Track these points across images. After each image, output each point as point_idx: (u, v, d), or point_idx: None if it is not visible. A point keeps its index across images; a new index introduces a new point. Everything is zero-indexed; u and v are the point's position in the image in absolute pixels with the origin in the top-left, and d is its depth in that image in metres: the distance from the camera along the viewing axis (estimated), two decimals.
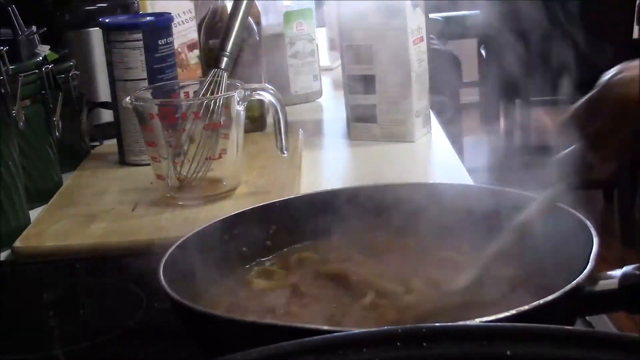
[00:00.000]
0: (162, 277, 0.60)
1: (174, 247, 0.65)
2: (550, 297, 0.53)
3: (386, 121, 1.17)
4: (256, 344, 0.52)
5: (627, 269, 0.58)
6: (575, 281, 0.55)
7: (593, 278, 0.57)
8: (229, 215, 0.72)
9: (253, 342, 0.52)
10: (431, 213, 0.70)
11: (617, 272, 0.58)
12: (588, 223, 0.62)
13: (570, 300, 0.54)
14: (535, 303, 0.52)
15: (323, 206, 0.74)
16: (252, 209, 0.73)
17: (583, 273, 0.56)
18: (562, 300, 0.53)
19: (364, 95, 1.17)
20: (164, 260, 0.62)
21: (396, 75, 1.14)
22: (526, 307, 0.52)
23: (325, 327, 0.54)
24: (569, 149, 0.69)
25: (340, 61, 1.28)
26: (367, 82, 1.17)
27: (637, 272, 0.57)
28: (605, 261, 0.58)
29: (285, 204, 0.74)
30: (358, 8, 1.14)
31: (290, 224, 0.73)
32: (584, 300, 0.56)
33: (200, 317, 0.56)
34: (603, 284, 0.57)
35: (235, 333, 0.54)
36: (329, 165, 1.14)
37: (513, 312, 0.51)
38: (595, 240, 0.60)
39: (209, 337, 0.57)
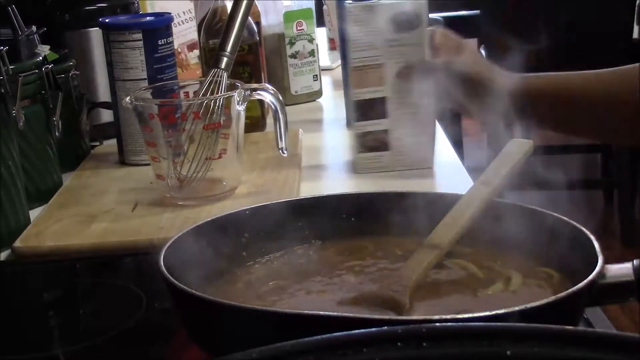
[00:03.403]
0: (163, 267, 0.60)
1: (172, 240, 0.65)
2: (573, 289, 0.54)
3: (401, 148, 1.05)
4: (254, 332, 0.52)
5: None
6: (592, 274, 0.56)
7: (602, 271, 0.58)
8: (225, 213, 0.72)
9: (251, 330, 0.53)
10: (425, 221, 0.70)
11: (626, 265, 0.59)
12: (580, 226, 0.62)
13: (587, 293, 0.55)
14: (560, 295, 0.53)
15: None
16: (253, 207, 0.73)
17: (597, 266, 0.57)
18: (582, 293, 0.54)
19: (373, 121, 1.05)
20: (164, 251, 0.62)
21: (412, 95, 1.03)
22: (551, 299, 0.53)
23: (326, 313, 0.54)
24: None
25: (340, 61, 1.27)
26: (377, 105, 1.05)
27: None
28: (606, 261, 0.59)
29: (286, 205, 0.74)
30: (367, 26, 1.03)
31: (283, 226, 0.73)
32: (597, 293, 0.57)
33: (202, 304, 0.56)
34: (617, 275, 0.58)
35: (237, 320, 0.54)
36: (329, 165, 1.14)
37: (529, 305, 0.52)
38: (593, 237, 0.60)
39: (209, 327, 0.57)
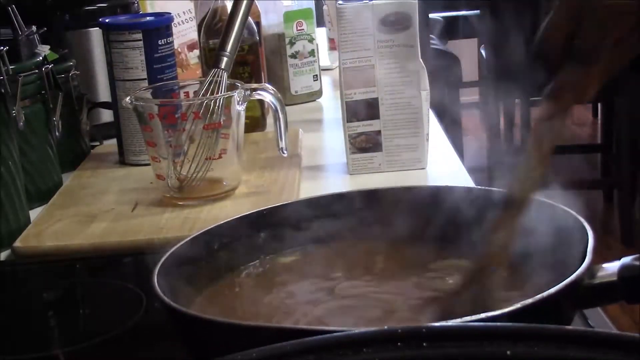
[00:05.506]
0: (156, 284, 0.60)
1: (167, 253, 0.65)
2: (551, 291, 0.53)
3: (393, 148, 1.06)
4: (250, 347, 0.52)
5: (625, 260, 0.57)
6: (575, 274, 0.55)
7: (591, 271, 0.57)
8: (222, 222, 0.71)
9: (247, 346, 0.53)
10: (431, 217, 0.69)
11: (615, 264, 0.58)
12: (581, 218, 0.62)
13: (570, 293, 0.54)
14: (538, 297, 0.52)
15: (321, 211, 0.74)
16: (245, 215, 0.73)
17: (582, 266, 0.56)
18: (563, 294, 0.53)
19: (365, 122, 1.05)
20: (158, 266, 0.62)
21: (404, 96, 1.04)
22: (529, 301, 0.52)
23: (318, 328, 0.53)
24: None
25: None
26: (369, 107, 1.05)
27: (637, 263, 0.57)
28: (606, 261, 0.58)
29: (282, 209, 0.74)
30: (358, 27, 1.03)
31: (281, 230, 0.73)
32: (584, 293, 0.56)
33: (195, 322, 0.56)
34: (602, 276, 0.57)
35: (229, 336, 0.54)
36: (329, 165, 1.14)
37: (515, 306, 0.51)
38: (590, 234, 0.59)
39: (202, 343, 0.57)
